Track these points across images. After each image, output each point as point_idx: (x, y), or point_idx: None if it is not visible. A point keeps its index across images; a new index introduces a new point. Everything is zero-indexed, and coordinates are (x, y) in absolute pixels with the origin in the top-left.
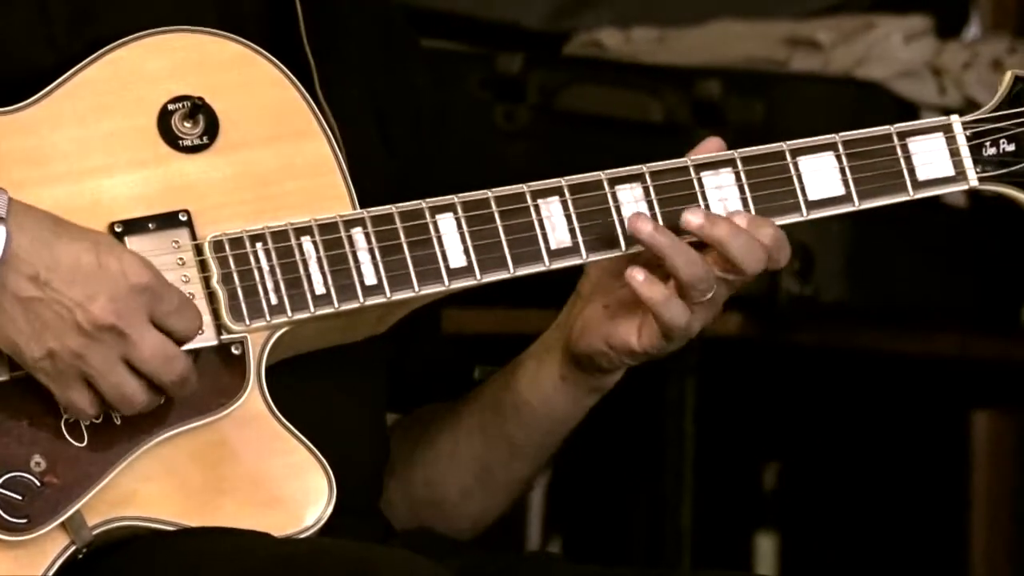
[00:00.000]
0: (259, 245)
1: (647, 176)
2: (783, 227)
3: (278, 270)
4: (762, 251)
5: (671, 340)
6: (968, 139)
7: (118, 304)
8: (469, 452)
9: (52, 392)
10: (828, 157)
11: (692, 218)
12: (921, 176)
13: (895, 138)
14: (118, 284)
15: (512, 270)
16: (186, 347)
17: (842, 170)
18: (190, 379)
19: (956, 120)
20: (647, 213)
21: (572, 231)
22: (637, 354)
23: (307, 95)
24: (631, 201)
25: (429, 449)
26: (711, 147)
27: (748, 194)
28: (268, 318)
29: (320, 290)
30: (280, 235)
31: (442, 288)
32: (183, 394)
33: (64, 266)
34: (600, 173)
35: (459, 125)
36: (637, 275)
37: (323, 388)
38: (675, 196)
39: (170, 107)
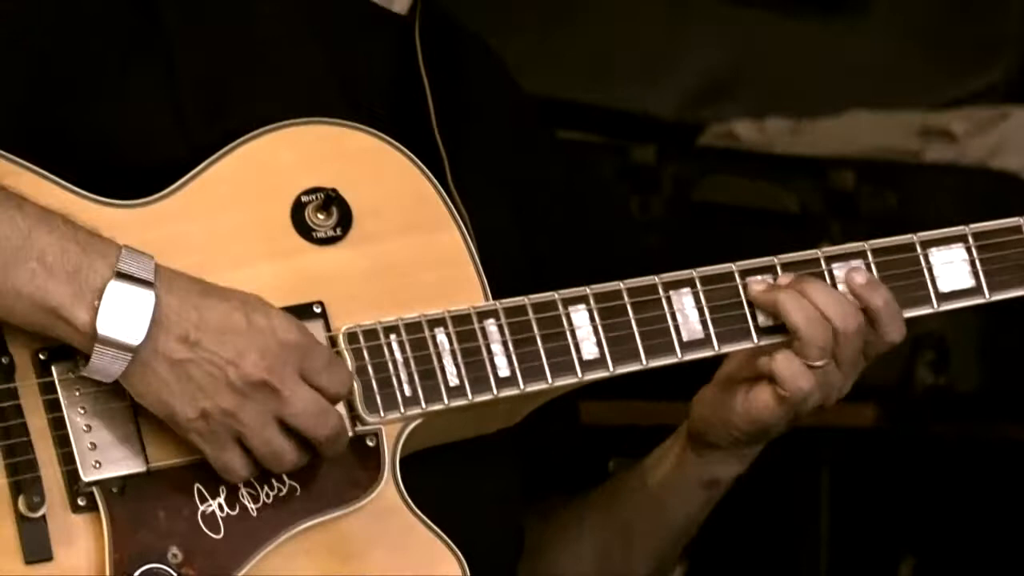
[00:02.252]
0: (393, 337)
1: (778, 268)
2: (917, 318)
3: (412, 362)
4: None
5: (784, 406)
6: None
7: (269, 361)
8: (591, 542)
9: (205, 453)
10: (958, 249)
11: (857, 276)
12: None
13: None
14: (268, 341)
15: (645, 362)
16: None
17: (972, 262)
18: (342, 436)
19: None
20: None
21: (704, 323)
22: (745, 419)
23: (439, 186)
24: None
25: (554, 538)
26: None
27: None
28: (402, 410)
29: (454, 382)
30: (414, 327)
31: (575, 380)
32: (336, 451)
33: (213, 325)
34: (731, 265)
35: (594, 216)
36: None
37: (457, 480)
38: None
39: (303, 199)
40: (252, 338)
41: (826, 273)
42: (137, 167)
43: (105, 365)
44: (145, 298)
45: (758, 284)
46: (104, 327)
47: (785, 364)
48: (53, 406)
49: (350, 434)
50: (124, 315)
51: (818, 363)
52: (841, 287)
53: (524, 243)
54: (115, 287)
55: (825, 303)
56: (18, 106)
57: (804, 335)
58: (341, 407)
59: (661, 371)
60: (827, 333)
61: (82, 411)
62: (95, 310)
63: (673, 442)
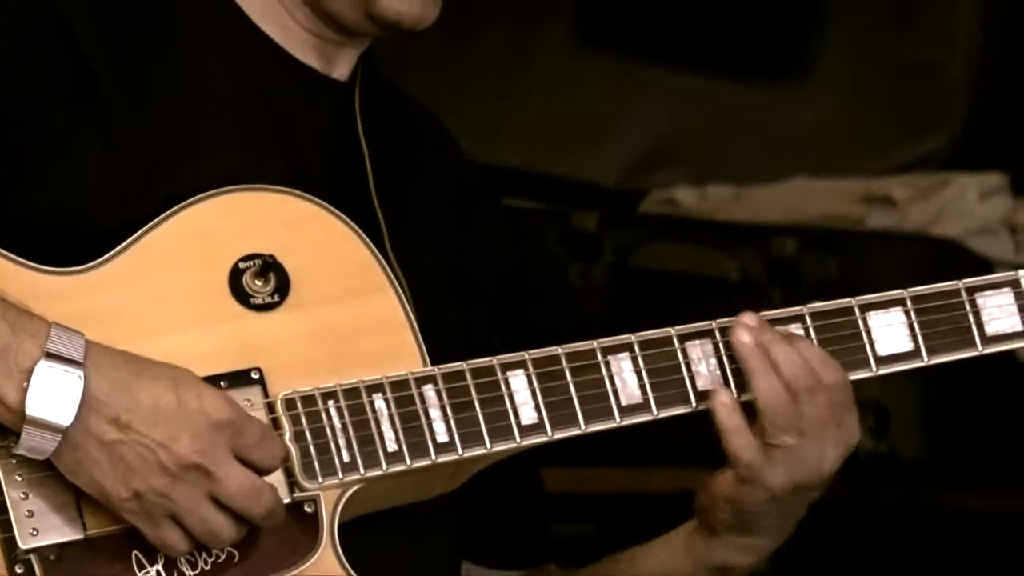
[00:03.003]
0: (331, 403)
1: (716, 332)
2: (855, 382)
3: (350, 427)
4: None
5: (745, 484)
6: None
7: (200, 442)
8: None
9: (141, 530)
10: (897, 313)
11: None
12: (990, 331)
13: (963, 293)
14: (199, 422)
15: (584, 427)
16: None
17: (911, 325)
18: (277, 511)
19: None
20: (717, 370)
21: (643, 387)
22: (720, 498)
23: (377, 252)
24: (701, 357)
25: None
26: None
27: None
28: (340, 476)
29: (392, 447)
30: (352, 392)
31: (514, 445)
32: (273, 523)
33: (144, 407)
34: (670, 329)
35: (534, 282)
36: (724, 398)
37: (396, 545)
38: None
39: (241, 265)
40: (183, 420)
41: None
42: (76, 232)
43: (35, 444)
44: (74, 379)
45: (744, 334)
46: (33, 408)
47: (734, 439)
48: None
49: (287, 500)
50: (53, 396)
51: (777, 441)
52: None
53: (462, 308)
54: (44, 367)
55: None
56: None
57: (763, 402)
58: (279, 474)
59: (613, 436)
60: (790, 410)
61: (19, 479)
62: (24, 391)
63: (683, 527)
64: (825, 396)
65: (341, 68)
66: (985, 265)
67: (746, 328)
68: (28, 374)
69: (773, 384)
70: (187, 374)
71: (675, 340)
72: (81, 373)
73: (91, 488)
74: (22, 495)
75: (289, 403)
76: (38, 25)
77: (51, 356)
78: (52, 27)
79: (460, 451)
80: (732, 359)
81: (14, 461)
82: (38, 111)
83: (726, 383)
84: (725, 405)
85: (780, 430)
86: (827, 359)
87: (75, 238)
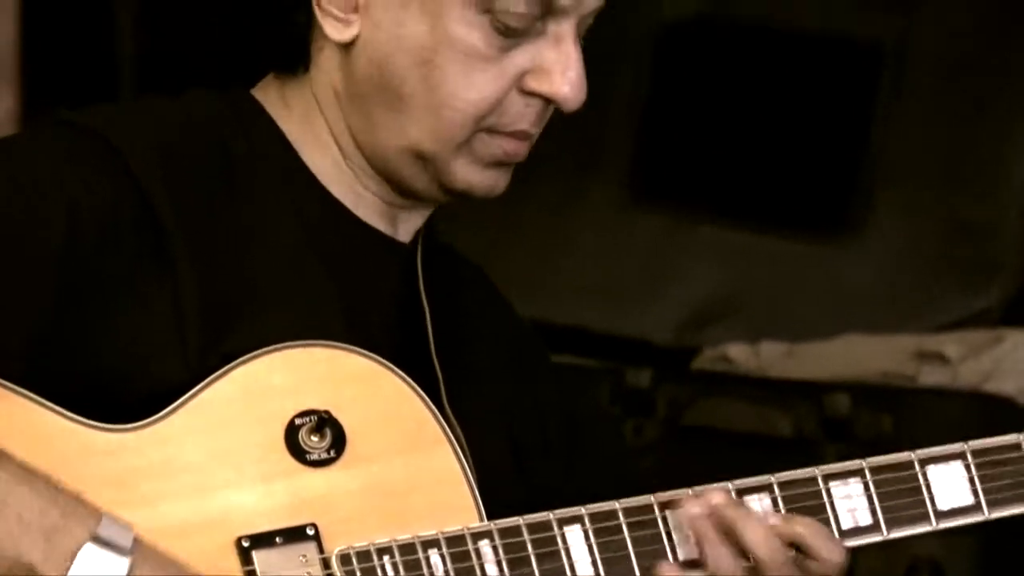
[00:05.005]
0: (386, 558)
1: (775, 487)
2: (914, 537)
3: None
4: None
5: None
6: None
7: None
8: None
9: None
10: (957, 466)
11: (769, 517)
12: None
13: None
14: None
15: None
16: None
17: (971, 479)
18: None
19: None
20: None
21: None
22: None
23: (434, 408)
24: (759, 511)
25: None
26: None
27: (877, 504)
28: None
29: None
30: (407, 548)
31: None
32: None
33: None
34: (728, 484)
35: (588, 439)
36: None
37: None
38: (804, 507)
39: (297, 421)
40: None
41: (824, 492)
42: (134, 387)
43: None
44: (118, 564)
45: (694, 507)
46: None
47: None
48: None
49: None
50: None
51: None
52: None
53: (518, 464)
54: (90, 549)
55: (752, 539)
56: (23, 323)
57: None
58: None
59: None
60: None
61: None
62: (66, 570)
63: None
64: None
65: (406, 231)
66: None
67: (700, 503)
68: (72, 556)
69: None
70: None
71: (733, 493)
72: (127, 561)
73: None
74: None
75: (344, 559)
76: (111, 186)
77: (99, 540)
78: (126, 189)
79: None
80: (790, 513)
81: None
82: (105, 268)
83: None
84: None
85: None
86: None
87: (133, 393)
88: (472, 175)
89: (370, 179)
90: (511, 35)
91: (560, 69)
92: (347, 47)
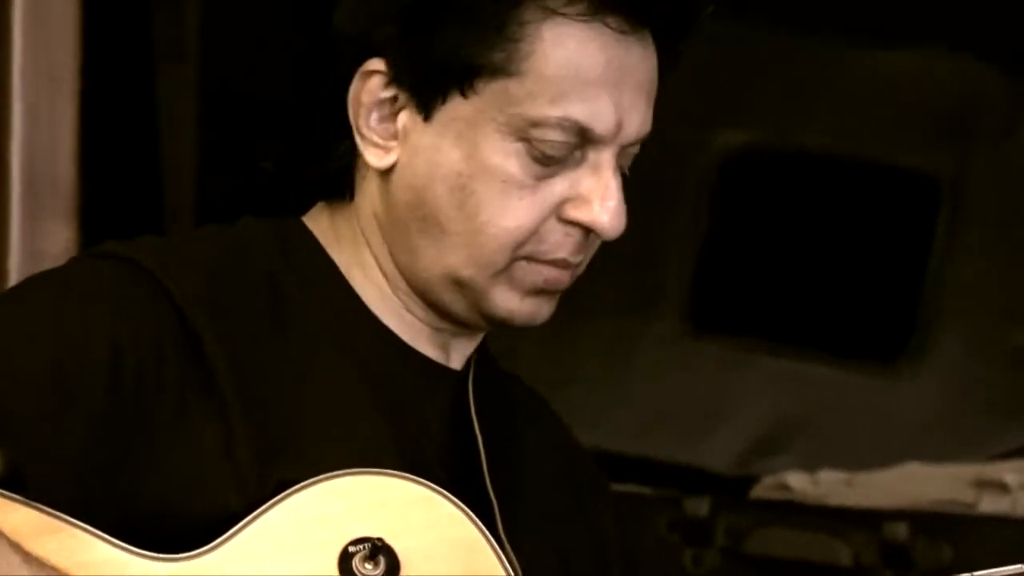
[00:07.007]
0: None
1: None
2: None
3: None
4: None
5: None
6: None
7: None
8: None
9: None
10: None
11: None
12: None
13: None
14: None
15: None
16: None
17: None
18: None
19: None
20: None
21: None
22: None
23: (489, 535)
24: None
25: None
26: None
27: None
28: None
29: None
30: None
31: None
32: None
33: None
34: None
35: (647, 569)
36: None
37: None
38: None
39: (350, 549)
40: None
41: None
42: (186, 517)
43: None
44: None
45: None
46: None
47: None
48: None
49: None
50: None
51: None
52: None
53: None
54: None
55: None
56: (71, 454)
57: None
58: None
59: None
60: None
61: None
62: None
63: None
64: None
65: (458, 358)
66: None
67: None
68: None
69: None
70: None
71: None
72: None
73: None
74: None
75: None
76: (155, 322)
77: None
78: (170, 322)
79: None
80: None
81: None
82: (149, 405)
83: None
84: None
85: None
86: None
87: (185, 524)
88: (512, 303)
89: (416, 305)
90: (549, 163)
91: (599, 198)
92: (387, 174)
